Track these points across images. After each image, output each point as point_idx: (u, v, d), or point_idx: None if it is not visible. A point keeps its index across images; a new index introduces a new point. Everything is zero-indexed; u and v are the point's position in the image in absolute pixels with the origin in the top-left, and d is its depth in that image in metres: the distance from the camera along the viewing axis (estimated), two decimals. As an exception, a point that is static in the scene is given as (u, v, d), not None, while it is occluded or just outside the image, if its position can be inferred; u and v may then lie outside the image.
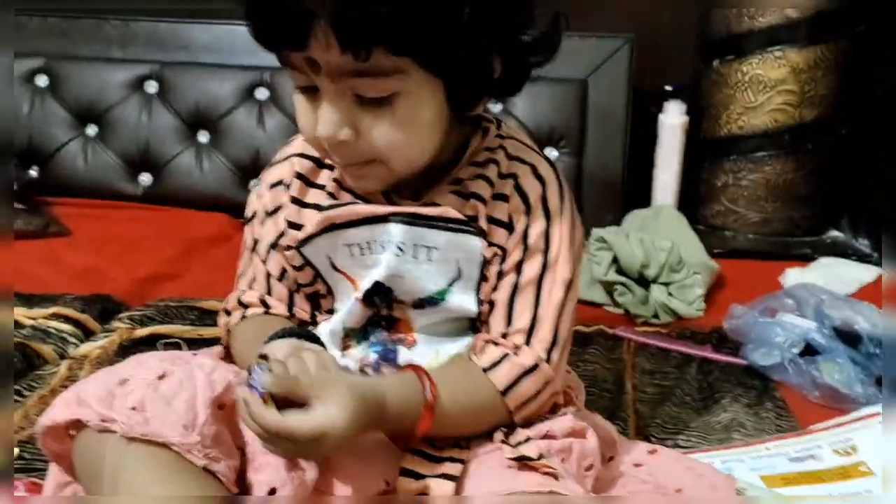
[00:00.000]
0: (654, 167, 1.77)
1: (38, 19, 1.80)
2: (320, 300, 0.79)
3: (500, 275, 0.73)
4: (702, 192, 1.80)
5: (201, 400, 0.64)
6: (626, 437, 0.88)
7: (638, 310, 1.35)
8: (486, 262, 0.73)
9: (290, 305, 0.79)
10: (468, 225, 0.72)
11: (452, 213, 0.72)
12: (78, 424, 0.65)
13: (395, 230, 0.72)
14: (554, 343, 0.73)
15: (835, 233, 1.77)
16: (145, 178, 1.78)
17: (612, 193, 1.74)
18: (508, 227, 0.73)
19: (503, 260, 0.73)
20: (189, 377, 0.66)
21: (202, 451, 0.62)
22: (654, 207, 1.70)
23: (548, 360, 0.72)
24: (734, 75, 1.68)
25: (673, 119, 1.74)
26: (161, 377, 0.66)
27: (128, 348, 1.12)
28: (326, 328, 0.76)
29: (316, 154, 0.75)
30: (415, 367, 0.69)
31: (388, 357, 0.76)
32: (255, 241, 0.78)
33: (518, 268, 0.73)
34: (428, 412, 0.66)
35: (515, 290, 0.73)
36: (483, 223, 0.72)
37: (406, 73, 0.63)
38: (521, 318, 0.73)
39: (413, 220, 0.72)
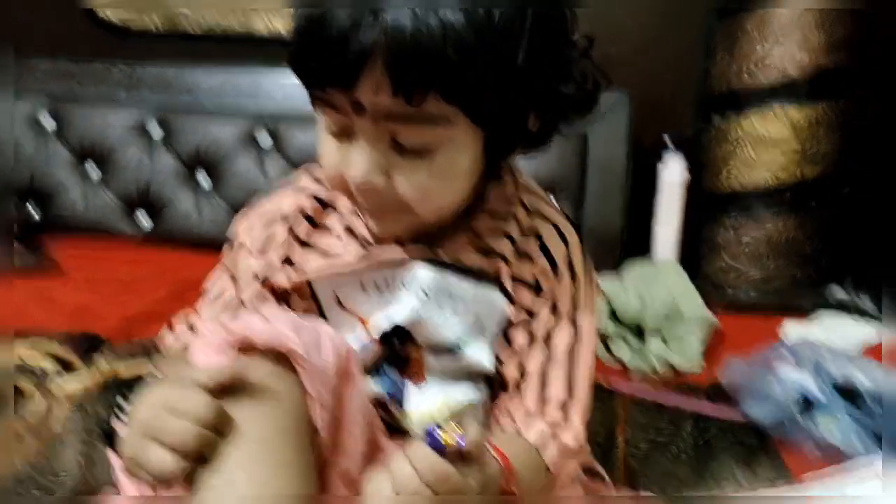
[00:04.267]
0: (654, 221, 1.76)
1: (47, 61, 1.84)
2: None
3: (531, 341, 0.73)
4: (703, 248, 1.78)
5: (330, 363, 0.61)
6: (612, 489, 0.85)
7: (634, 362, 1.32)
8: (509, 323, 0.73)
9: None
10: (495, 280, 0.71)
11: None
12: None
13: (423, 274, 0.71)
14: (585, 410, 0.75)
15: (837, 291, 1.74)
16: (145, 220, 1.78)
17: (612, 245, 1.72)
18: (535, 289, 0.73)
19: (530, 324, 0.73)
20: (319, 336, 0.62)
21: (320, 412, 0.59)
22: (654, 260, 1.68)
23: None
24: (734, 131, 1.68)
25: (673, 173, 1.74)
26: (297, 326, 0.62)
27: (108, 386, 1.10)
28: None
29: (324, 194, 0.74)
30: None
31: (396, 394, 0.75)
32: (233, 266, 0.76)
33: (549, 336, 0.73)
34: (509, 479, 0.65)
35: (548, 359, 0.73)
36: (507, 283, 0.72)
37: (451, 122, 0.61)
38: (557, 390, 0.73)
39: (443, 266, 0.71)
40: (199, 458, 0.54)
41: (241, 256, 0.75)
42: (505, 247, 0.72)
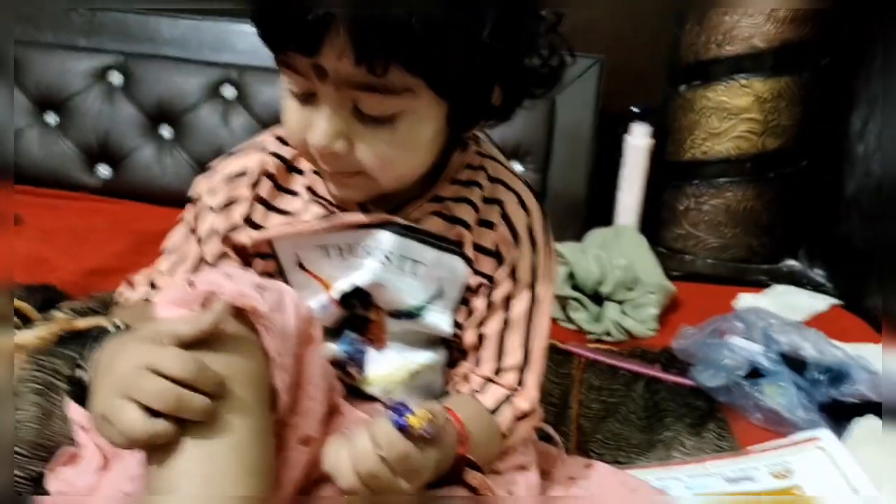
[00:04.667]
0: (617, 188, 1.78)
1: (3, 3, 1.77)
2: None
3: (489, 306, 0.74)
4: (664, 215, 1.81)
5: (291, 324, 0.61)
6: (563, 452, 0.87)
7: (591, 326, 1.34)
8: (469, 290, 0.74)
9: None
10: (457, 246, 0.72)
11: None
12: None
13: (386, 238, 0.71)
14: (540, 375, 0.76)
15: (791, 262, 1.79)
16: (104, 170, 1.75)
17: (576, 211, 1.74)
18: (496, 256, 0.73)
19: (490, 290, 0.74)
20: (280, 298, 0.62)
21: (280, 373, 0.59)
22: (615, 227, 1.71)
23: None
24: (700, 101, 1.70)
25: (638, 141, 1.75)
26: (260, 286, 0.61)
27: (66, 339, 1.09)
28: None
29: (288, 155, 0.73)
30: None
31: (356, 357, 0.75)
32: (196, 223, 0.75)
33: (507, 302, 0.74)
34: (464, 443, 0.66)
35: (506, 325, 0.74)
36: (469, 250, 0.72)
37: (415, 93, 0.60)
38: (514, 355, 0.75)
39: (406, 231, 0.71)
40: (177, 419, 0.53)
41: (202, 214, 0.75)
42: (467, 214, 0.72)
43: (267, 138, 0.75)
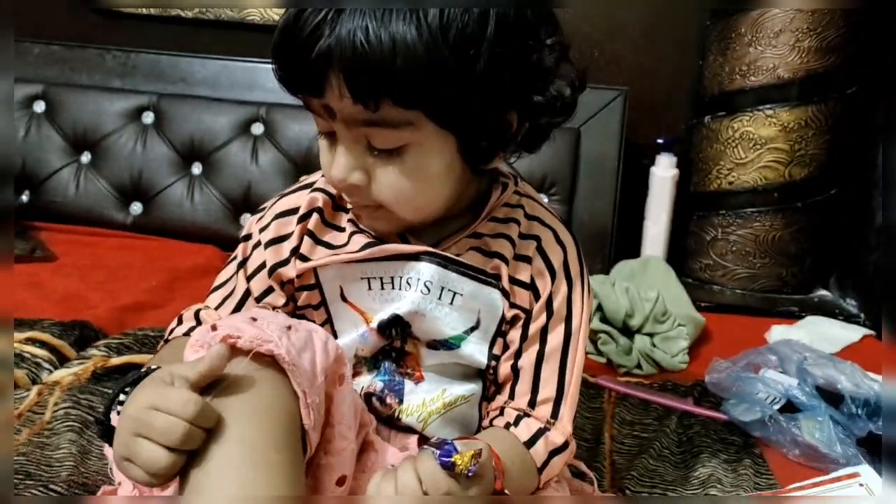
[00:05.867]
0: (644, 219, 1.78)
1: (41, 46, 1.83)
2: None
3: (524, 339, 0.75)
4: (690, 246, 1.80)
5: (320, 364, 0.63)
6: (597, 490, 0.87)
7: (621, 360, 1.34)
8: (505, 322, 0.75)
9: None
10: (495, 279, 0.73)
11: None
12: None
13: (426, 268, 0.72)
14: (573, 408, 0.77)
15: (822, 292, 1.77)
16: (136, 208, 1.78)
17: (602, 242, 1.74)
18: (531, 289, 0.75)
19: (525, 323, 0.75)
20: (309, 337, 0.64)
21: (309, 414, 0.60)
22: (643, 258, 1.70)
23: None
24: (725, 131, 1.70)
25: (664, 172, 1.76)
26: (289, 327, 0.63)
27: (101, 376, 1.10)
28: None
29: (335, 192, 0.76)
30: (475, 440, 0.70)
31: (393, 388, 0.76)
32: (246, 259, 0.77)
33: (542, 335, 0.75)
34: (500, 478, 0.66)
35: (541, 358, 0.75)
36: (506, 283, 0.74)
37: (416, 125, 0.63)
38: (548, 388, 0.75)
39: (445, 262, 0.72)
40: (187, 452, 0.55)
41: (252, 250, 0.77)
42: (504, 249, 0.74)
43: (316, 177, 0.78)
